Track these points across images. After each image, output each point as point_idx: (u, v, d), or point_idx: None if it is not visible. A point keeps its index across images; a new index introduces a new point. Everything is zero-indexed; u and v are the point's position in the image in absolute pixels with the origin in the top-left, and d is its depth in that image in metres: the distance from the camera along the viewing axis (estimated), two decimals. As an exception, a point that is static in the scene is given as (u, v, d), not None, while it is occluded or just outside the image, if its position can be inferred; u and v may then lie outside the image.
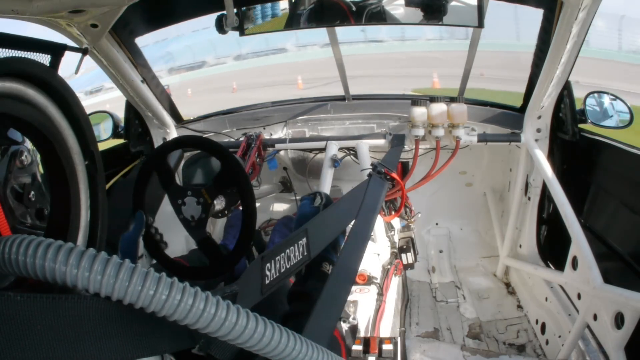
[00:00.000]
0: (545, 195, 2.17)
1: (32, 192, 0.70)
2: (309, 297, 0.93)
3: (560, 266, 1.82)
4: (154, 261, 1.34)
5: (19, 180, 0.69)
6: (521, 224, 2.34)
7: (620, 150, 1.79)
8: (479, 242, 2.74)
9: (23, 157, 0.70)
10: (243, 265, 1.32)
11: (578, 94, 2.02)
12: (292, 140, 2.32)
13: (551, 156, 2.14)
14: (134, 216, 1.19)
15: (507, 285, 2.52)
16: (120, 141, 2.29)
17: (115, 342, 0.53)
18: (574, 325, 1.61)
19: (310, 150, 2.42)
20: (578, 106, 2.04)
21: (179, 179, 2.34)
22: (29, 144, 0.73)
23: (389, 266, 1.88)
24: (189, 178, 1.71)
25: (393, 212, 2.23)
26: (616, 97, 2.11)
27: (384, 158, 1.74)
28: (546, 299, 2.04)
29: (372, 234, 1.52)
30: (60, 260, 0.48)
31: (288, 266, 0.84)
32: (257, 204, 1.35)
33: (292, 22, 1.85)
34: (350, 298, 1.49)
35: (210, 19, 1.81)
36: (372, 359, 1.27)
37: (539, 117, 2.07)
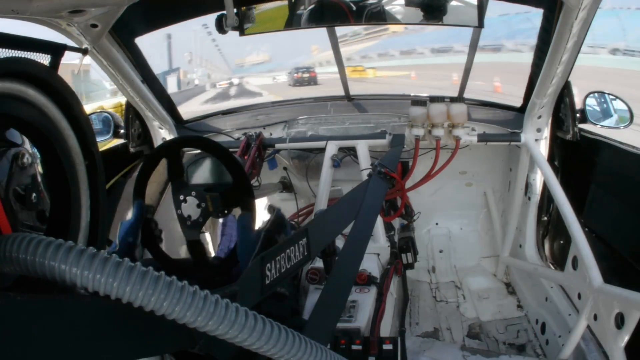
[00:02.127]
0: (545, 195, 2.17)
1: (34, 194, 0.70)
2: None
3: (560, 266, 1.82)
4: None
5: (21, 182, 0.69)
6: (521, 224, 2.34)
7: (620, 150, 1.79)
8: (479, 242, 2.74)
9: (24, 159, 0.70)
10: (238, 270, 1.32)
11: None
12: (292, 140, 2.31)
13: (551, 156, 2.14)
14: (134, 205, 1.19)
15: (507, 285, 2.52)
16: (120, 141, 2.29)
17: (115, 342, 0.53)
18: (574, 325, 1.61)
19: (310, 150, 2.42)
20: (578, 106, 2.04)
21: None
22: (28, 145, 0.73)
23: (389, 266, 1.88)
24: (191, 177, 1.72)
25: (392, 212, 2.23)
26: (616, 97, 2.11)
27: (384, 158, 1.74)
28: (546, 299, 2.04)
29: (372, 233, 1.52)
30: (59, 258, 0.48)
31: (288, 266, 0.84)
32: (256, 204, 1.36)
33: (292, 22, 1.85)
34: (350, 298, 1.49)
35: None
36: (372, 359, 1.27)
37: (539, 117, 2.07)
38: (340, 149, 2.26)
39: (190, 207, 1.29)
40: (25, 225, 0.68)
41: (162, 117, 2.25)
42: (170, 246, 1.40)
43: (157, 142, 2.34)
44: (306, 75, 19.88)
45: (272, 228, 1.10)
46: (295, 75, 19.87)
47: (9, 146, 0.68)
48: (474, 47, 2.19)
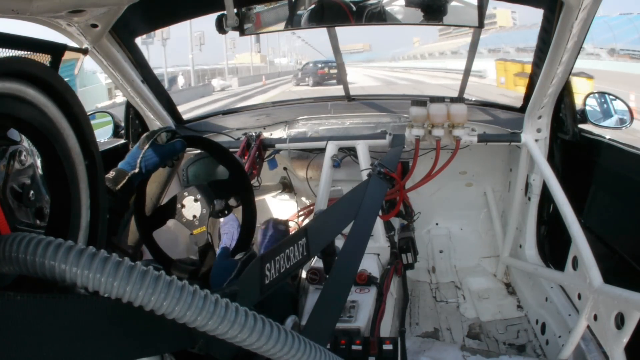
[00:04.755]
0: (546, 195, 2.17)
1: (32, 192, 0.70)
2: None
3: (560, 266, 1.82)
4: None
5: (19, 180, 0.69)
6: (521, 224, 2.34)
7: (620, 150, 1.79)
8: (479, 242, 2.74)
9: (22, 157, 0.70)
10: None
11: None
12: (292, 140, 2.32)
13: (551, 156, 2.14)
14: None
15: (507, 285, 2.52)
16: (121, 141, 2.29)
17: (115, 342, 0.53)
18: (574, 325, 1.61)
19: (311, 150, 2.43)
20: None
21: (178, 179, 2.34)
22: (26, 143, 0.73)
23: (389, 266, 1.88)
24: (191, 177, 1.72)
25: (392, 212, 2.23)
26: (616, 97, 2.11)
27: (384, 158, 1.74)
28: (546, 299, 2.04)
29: (372, 234, 1.53)
30: (59, 257, 0.48)
31: (288, 266, 0.84)
32: (257, 204, 1.36)
33: (292, 22, 1.85)
34: (350, 298, 1.49)
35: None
36: (372, 359, 1.27)
37: (539, 117, 2.07)
38: (340, 149, 2.26)
39: (191, 206, 1.30)
40: (24, 223, 0.68)
41: (162, 117, 2.25)
42: (171, 246, 1.40)
43: (157, 142, 2.34)
44: (334, 71, 16.47)
45: (247, 260, 1.14)
46: (320, 71, 16.80)
47: (7, 144, 0.68)
48: (474, 47, 2.19)
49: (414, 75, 25.27)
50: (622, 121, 2.07)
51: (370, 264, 1.82)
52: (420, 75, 24.50)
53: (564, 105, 2.01)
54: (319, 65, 17.79)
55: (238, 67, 34.63)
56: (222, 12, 1.71)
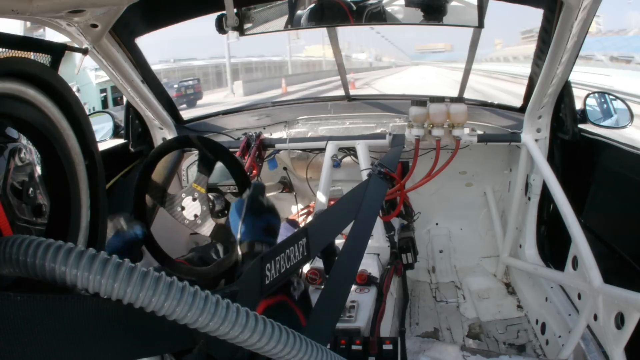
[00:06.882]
0: (546, 196, 2.17)
1: (31, 189, 0.70)
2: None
3: (560, 266, 1.82)
4: None
5: (18, 177, 0.69)
6: (521, 224, 2.34)
7: (620, 150, 1.79)
8: (479, 242, 2.74)
9: (22, 155, 0.70)
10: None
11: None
12: (292, 140, 2.32)
13: (551, 156, 2.14)
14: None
15: (507, 285, 2.53)
16: (121, 141, 2.30)
17: (115, 342, 0.53)
18: (574, 325, 1.61)
19: (311, 150, 2.43)
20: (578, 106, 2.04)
21: (179, 180, 2.34)
22: (24, 140, 0.73)
23: (389, 266, 1.88)
24: (191, 177, 1.72)
25: (392, 212, 2.23)
26: (616, 97, 2.12)
27: (384, 158, 1.74)
28: (546, 299, 2.05)
29: (372, 234, 1.53)
30: (59, 260, 0.48)
31: (288, 266, 0.84)
32: None
33: (292, 22, 1.85)
34: (350, 298, 1.49)
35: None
36: (372, 359, 1.28)
37: (539, 117, 2.07)
38: (340, 149, 2.26)
39: (192, 204, 1.30)
40: (23, 221, 0.68)
41: (162, 117, 2.25)
42: (171, 246, 1.40)
43: (157, 142, 2.34)
44: (190, 91, 15.96)
45: (255, 192, 1.11)
46: (176, 93, 15.28)
47: (6, 142, 0.68)
48: (474, 47, 2.19)
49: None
50: (622, 121, 2.07)
51: (370, 264, 1.82)
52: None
53: (564, 105, 2.01)
54: (175, 87, 16.21)
55: (304, 62, 26.34)
56: (222, 12, 1.71)
